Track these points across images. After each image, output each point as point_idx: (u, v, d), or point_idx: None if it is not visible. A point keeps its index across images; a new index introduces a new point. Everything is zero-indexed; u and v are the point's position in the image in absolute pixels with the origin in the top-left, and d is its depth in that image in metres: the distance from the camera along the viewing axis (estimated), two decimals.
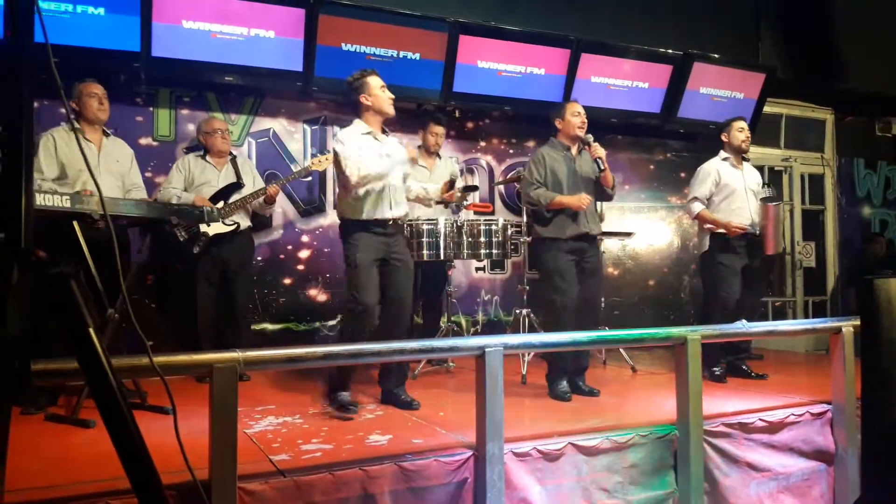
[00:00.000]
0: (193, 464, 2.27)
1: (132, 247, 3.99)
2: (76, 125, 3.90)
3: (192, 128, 5.11)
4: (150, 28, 4.62)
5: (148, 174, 4.88)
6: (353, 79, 3.70)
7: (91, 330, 0.78)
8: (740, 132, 4.67)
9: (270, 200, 4.61)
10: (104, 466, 2.39)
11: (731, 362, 4.56)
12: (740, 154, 4.71)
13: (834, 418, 3.60)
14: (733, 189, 4.63)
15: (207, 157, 4.62)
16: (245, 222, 4.62)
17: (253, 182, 4.69)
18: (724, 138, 4.77)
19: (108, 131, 4.04)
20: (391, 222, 3.67)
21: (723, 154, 4.75)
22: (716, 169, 4.67)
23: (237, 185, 4.52)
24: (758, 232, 4.61)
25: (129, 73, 4.90)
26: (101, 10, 4.52)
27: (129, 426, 0.82)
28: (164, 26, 4.66)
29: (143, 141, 5.02)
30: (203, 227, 4.37)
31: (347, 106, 5.55)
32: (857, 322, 3.54)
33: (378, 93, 3.66)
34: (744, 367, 4.62)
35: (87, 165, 1.40)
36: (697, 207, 4.65)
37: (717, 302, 4.51)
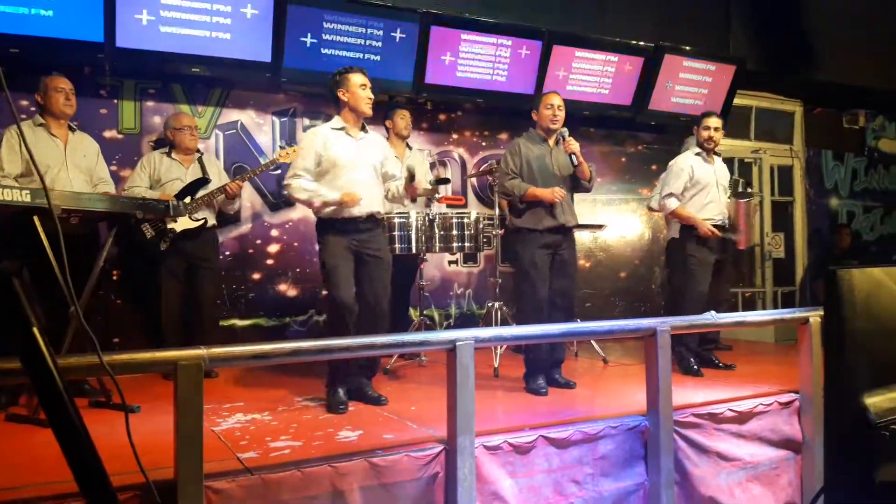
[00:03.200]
0: (160, 462, 2.25)
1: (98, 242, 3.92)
2: (42, 120, 3.80)
3: (158, 120, 5.01)
4: (114, 18, 4.51)
5: (113, 167, 4.78)
6: (336, 73, 3.68)
7: (35, 329, 0.75)
8: (705, 129, 4.67)
9: (231, 195, 4.52)
10: (65, 467, 2.33)
11: (699, 353, 4.59)
12: (708, 150, 4.72)
13: (801, 407, 3.64)
14: (705, 184, 4.65)
15: (173, 154, 4.53)
16: (212, 219, 4.55)
17: (219, 179, 4.62)
18: (694, 133, 4.80)
19: (74, 126, 3.95)
20: (363, 219, 3.63)
21: (695, 149, 4.77)
22: (689, 164, 4.68)
23: (204, 181, 4.44)
24: (728, 225, 4.64)
25: (93, 65, 4.79)
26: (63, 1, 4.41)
27: (76, 429, 0.79)
28: (129, 16, 4.56)
29: (108, 134, 4.92)
30: (170, 224, 4.30)
31: (318, 98, 5.54)
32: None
33: (356, 90, 3.61)
34: (712, 358, 4.66)
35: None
36: (673, 203, 4.66)
37: (689, 299, 4.52)
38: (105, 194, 3.83)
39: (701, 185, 4.65)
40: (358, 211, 3.59)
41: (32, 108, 4.16)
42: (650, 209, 5.70)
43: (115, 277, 4.86)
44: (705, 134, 4.67)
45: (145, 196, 4.34)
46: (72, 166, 3.83)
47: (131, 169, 4.64)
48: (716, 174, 4.71)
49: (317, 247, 3.75)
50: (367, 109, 3.66)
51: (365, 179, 3.66)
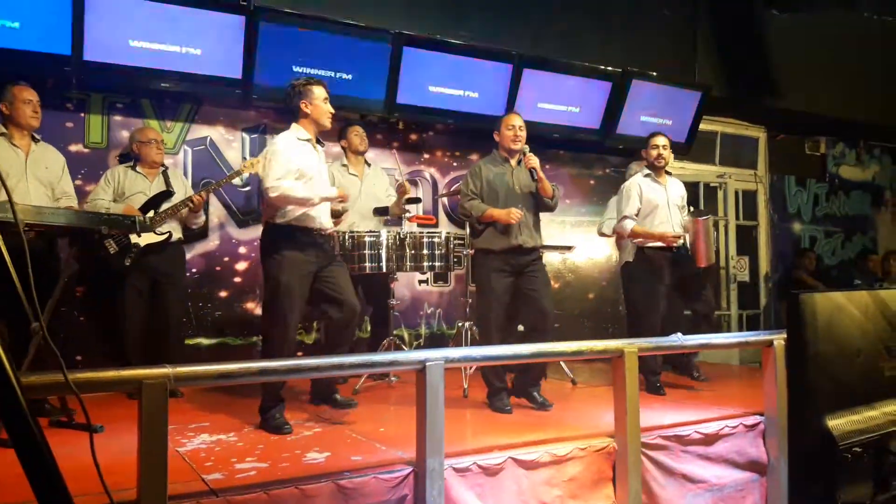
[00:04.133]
0: (124, 484, 2.20)
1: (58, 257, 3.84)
2: (4, 130, 3.73)
3: (125, 134, 4.94)
4: (83, 31, 4.46)
5: (78, 182, 4.71)
6: (298, 83, 3.67)
7: None
8: (654, 149, 4.73)
9: (195, 209, 4.46)
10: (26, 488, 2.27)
11: (681, 359, 4.67)
12: (658, 169, 4.77)
13: (766, 430, 3.68)
14: (656, 204, 4.69)
15: (138, 168, 4.48)
16: (177, 233, 4.49)
17: (184, 193, 4.56)
18: (643, 154, 4.86)
19: (37, 137, 3.88)
20: (323, 232, 3.67)
21: (644, 171, 4.83)
22: (637, 184, 4.74)
23: (168, 194, 4.38)
24: (684, 244, 4.70)
25: (59, 78, 4.72)
26: (31, 12, 4.35)
27: (40, 449, 0.77)
28: (97, 29, 4.51)
29: (74, 147, 4.85)
30: (134, 239, 4.23)
31: (288, 115, 5.49)
32: None
33: (319, 103, 3.63)
34: (693, 371, 4.73)
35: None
36: (630, 224, 4.69)
37: (645, 324, 4.56)
38: (69, 208, 3.76)
39: (652, 205, 4.70)
40: (322, 225, 3.62)
41: None
42: (600, 234, 5.76)
43: (78, 294, 4.77)
44: (654, 153, 4.72)
45: (109, 210, 4.28)
46: (32, 178, 3.74)
47: (97, 184, 4.57)
48: (667, 193, 4.75)
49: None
50: (328, 123, 3.69)
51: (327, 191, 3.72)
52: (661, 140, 4.73)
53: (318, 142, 3.74)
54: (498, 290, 4.00)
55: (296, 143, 3.63)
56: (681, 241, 4.66)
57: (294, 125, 3.69)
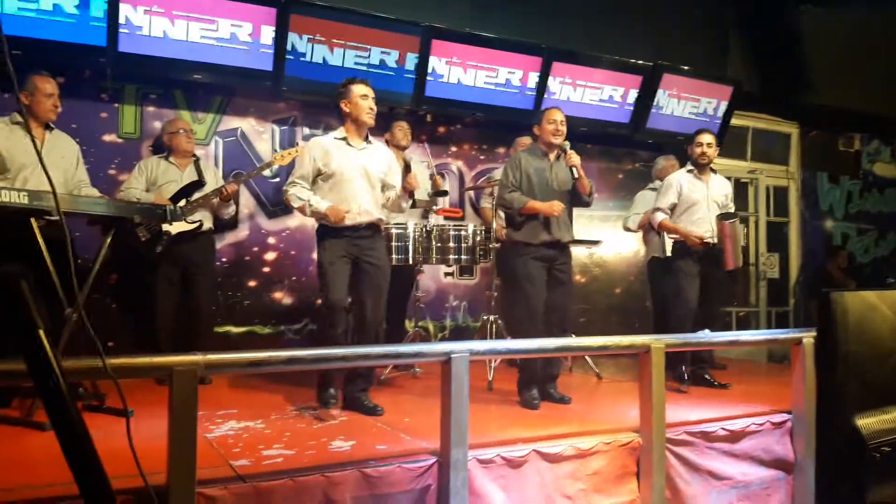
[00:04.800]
0: (153, 468, 2.24)
1: (78, 244, 3.87)
2: (20, 119, 3.71)
3: (158, 125, 5.01)
4: (117, 23, 4.53)
5: (112, 171, 4.81)
6: (341, 84, 3.75)
7: (41, 332, 0.76)
8: (698, 146, 4.70)
9: (226, 198, 4.51)
10: (59, 470, 2.33)
11: (693, 371, 4.61)
12: (702, 166, 4.75)
13: (794, 428, 3.65)
14: (695, 201, 4.67)
15: (171, 158, 4.54)
16: (208, 223, 4.55)
17: (216, 183, 4.62)
18: (688, 150, 4.83)
19: (52, 125, 3.80)
20: (363, 226, 3.68)
21: (688, 166, 4.81)
22: (678, 181, 4.72)
23: (198, 184, 4.44)
24: (716, 244, 4.66)
25: (94, 69, 4.80)
26: (68, 4, 4.42)
27: (79, 432, 0.80)
28: (132, 21, 4.58)
29: (108, 138, 4.93)
30: (165, 227, 4.29)
31: (318, 107, 5.57)
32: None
33: (357, 101, 3.67)
34: (706, 377, 4.67)
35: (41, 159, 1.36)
36: (660, 217, 4.71)
37: (676, 312, 4.54)
38: (102, 197, 3.81)
39: (691, 202, 4.67)
40: (355, 220, 3.63)
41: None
42: (625, 229, 5.73)
43: (111, 281, 4.86)
44: (698, 150, 4.70)
45: (140, 198, 4.35)
46: (48, 166, 3.76)
47: (129, 173, 4.64)
48: (708, 191, 4.72)
49: (314, 255, 3.80)
50: (369, 119, 3.70)
51: (365, 189, 3.71)
52: (706, 138, 4.70)
53: (366, 139, 3.77)
54: (538, 281, 4.01)
55: (328, 144, 3.70)
56: (710, 239, 4.61)
57: (340, 128, 3.79)
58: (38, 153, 3.42)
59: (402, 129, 5.08)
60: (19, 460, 2.68)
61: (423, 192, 5.04)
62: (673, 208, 4.71)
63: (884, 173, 8.92)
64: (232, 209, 4.81)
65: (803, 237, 8.13)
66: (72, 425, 0.79)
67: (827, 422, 1.18)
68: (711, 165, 4.81)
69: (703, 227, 4.64)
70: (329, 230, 3.66)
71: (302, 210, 3.71)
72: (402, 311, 5.11)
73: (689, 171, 4.76)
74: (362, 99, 3.67)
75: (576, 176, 4.06)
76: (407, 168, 3.76)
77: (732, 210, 4.83)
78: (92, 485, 0.79)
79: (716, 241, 4.63)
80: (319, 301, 3.76)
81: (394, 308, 5.15)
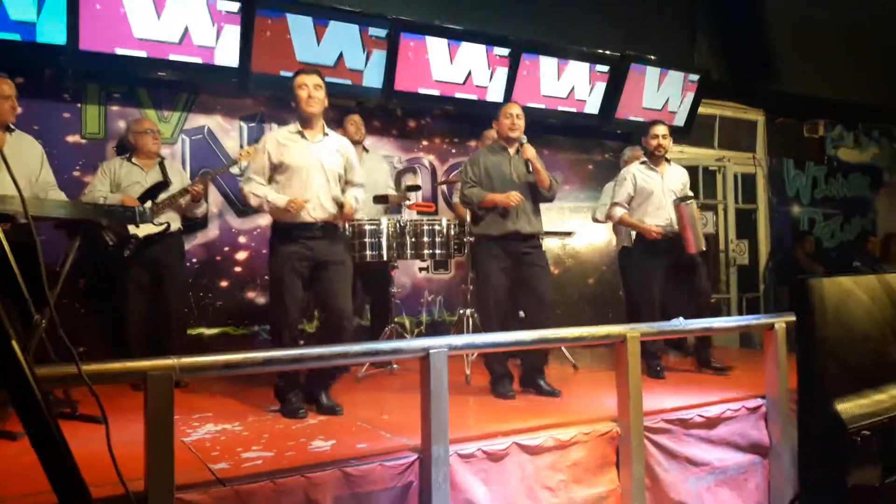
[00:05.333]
0: (130, 474, 2.19)
1: (46, 249, 3.78)
2: None
3: (123, 125, 4.92)
4: (77, 20, 4.43)
5: (76, 173, 4.71)
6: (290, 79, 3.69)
7: (13, 342, 0.73)
8: (653, 138, 4.73)
9: (196, 198, 4.45)
10: (30, 480, 2.28)
11: (699, 356, 4.74)
12: (657, 158, 4.77)
13: (768, 412, 3.70)
14: (650, 191, 4.70)
15: (134, 160, 4.46)
16: (176, 223, 4.48)
17: (181, 183, 4.55)
18: (643, 142, 4.86)
19: (13, 126, 3.66)
20: (318, 225, 3.58)
21: (641, 158, 4.85)
22: (632, 173, 4.76)
23: (164, 185, 4.37)
24: (676, 231, 4.70)
25: (55, 68, 4.69)
26: (26, 2, 4.31)
27: (56, 441, 0.78)
28: (93, 19, 4.48)
29: (71, 139, 4.83)
30: (133, 230, 4.22)
31: (285, 103, 5.48)
32: (790, 318, 3.68)
33: (297, 91, 3.59)
34: (711, 361, 4.73)
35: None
36: (619, 212, 4.75)
37: (643, 308, 4.59)
38: (66, 201, 3.72)
39: (646, 193, 4.71)
40: (311, 216, 3.55)
41: None
42: (594, 220, 5.78)
43: (81, 287, 4.76)
44: (653, 142, 4.73)
45: (106, 198, 4.27)
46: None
47: (94, 175, 4.55)
48: (664, 181, 4.75)
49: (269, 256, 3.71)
50: (307, 108, 3.59)
51: (320, 183, 3.61)
52: (660, 129, 4.73)
53: (324, 132, 3.70)
54: (495, 276, 4.02)
55: (282, 137, 3.64)
56: (670, 228, 4.64)
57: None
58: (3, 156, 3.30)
59: (354, 124, 5.04)
60: None
61: (387, 187, 5.04)
62: (630, 201, 4.74)
63: (847, 158, 9.09)
64: (203, 208, 4.74)
65: (771, 223, 8.25)
66: (48, 435, 0.77)
67: (807, 407, 1.19)
68: (667, 155, 4.84)
69: (660, 217, 4.67)
70: (282, 232, 3.58)
71: (260, 207, 3.63)
72: (386, 307, 5.07)
73: (643, 162, 4.80)
74: (299, 89, 3.58)
75: (531, 170, 4.06)
76: (339, 207, 3.67)
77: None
78: (71, 494, 0.77)
79: (675, 228, 4.67)
80: (269, 306, 3.68)
81: (376, 305, 5.14)
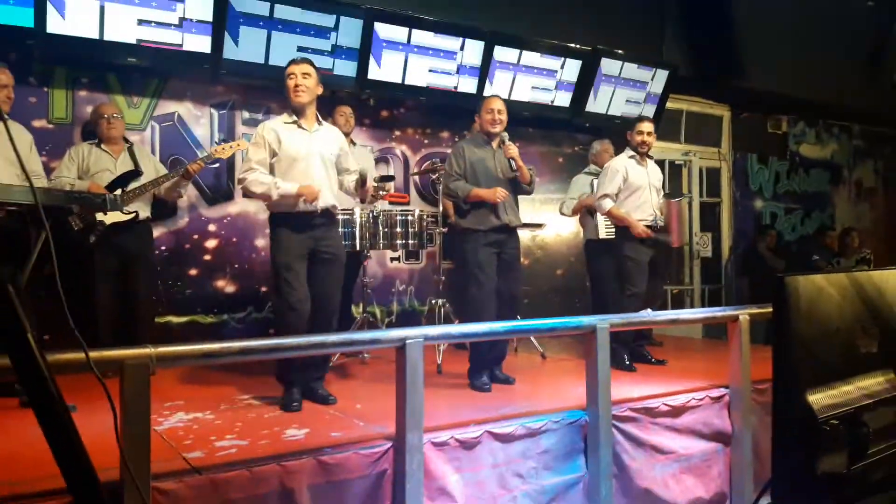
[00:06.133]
0: (106, 463, 2.19)
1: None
2: None
3: (91, 110, 4.84)
4: (45, 3, 4.33)
5: (43, 158, 4.58)
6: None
7: (29, 335, 0.74)
8: (639, 135, 4.81)
9: (189, 177, 4.40)
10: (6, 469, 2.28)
11: (632, 348, 4.74)
12: (642, 154, 4.87)
13: (731, 402, 3.81)
14: (639, 185, 4.79)
15: (102, 146, 4.40)
16: (144, 212, 4.43)
17: (155, 170, 4.51)
18: (628, 137, 4.93)
19: (5, 115, 3.74)
20: (318, 214, 3.58)
21: (629, 152, 4.91)
22: (623, 166, 4.83)
23: (136, 173, 4.32)
24: (660, 226, 4.80)
25: (22, 51, 4.59)
26: None
27: (67, 430, 0.79)
28: (61, 1, 4.39)
29: (38, 123, 4.73)
30: (99, 216, 4.16)
31: (258, 90, 5.47)
32: (754, 310, 3.79)
33: (286, 82, 3.59)
34: (645, 354, 4.81)
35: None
36: (608, 204, 4.79)
37: (630, 297, 4.64)
38: (37, 187, 3.67)
39: (634, 187, 4.79)
40: (313, 205, 3.54)
41: None
42: (561, 213, 5.85)
43: (46, 274, 4.68)
44: (639, 138, 4.81)
45: (74, 185, 4.22)
46: (1, 158, 3.65)
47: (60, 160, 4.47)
48: (648, 176, 4.86)
49: (257, 242, 3.71)
50: (294, 98, 3.59)
51: (319, 173, 3.62)
52: (646, 126, 4.83)
53: (318, 121, 3.69)
54: (489, 266, 4.06)
55: (279, 127, 3.60)
56: (655, 223, 4.74)
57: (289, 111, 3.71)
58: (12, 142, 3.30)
59: (343, 115, 5.04)
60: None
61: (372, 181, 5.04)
62: (617, 194, 4.81)
63: (809, 154, 9.32)
64: (185, 191, 4.70)
65: (734, 217, 8.43)
66: (60, 424, 0.78)
67: (782, 398, 1.25)
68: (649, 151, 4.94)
69: (646, 211, 4.77)
70: (284, 220, 3.55)
71: (266, 195, 3.54)
72: (349, 297, 5.09)
73: (631, 156, 4.87)
74: (287, 79, 3.59)
75: (514, 168, 4.12)
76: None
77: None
78: (83, 482, 0.79)
79: (661, 223, 4.77)
80: (275, 295, 3.62)
81: (343, 295, 5.14)
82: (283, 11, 5.06)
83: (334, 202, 3.69)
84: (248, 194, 3.62)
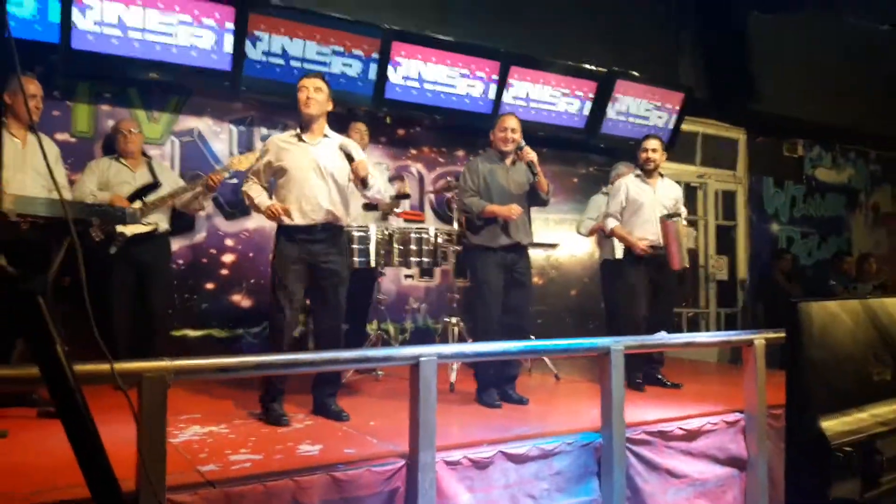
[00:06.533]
0: (122, 474, 2.21)
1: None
2: (3, 119, 3.67)
3: (111, 125, 4.92)
4: (70, 18, 4.43)
5: (65, 171, 4.67)
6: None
7: (58, 347, 0.77)
8: (643, 152, 4.84)
9: (212, 189, 4.44)
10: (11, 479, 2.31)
11: (646, 372, 4.72)
12: (648, 171, 4.87)
13: (746, 426, 3.78)
14: (641, 203, 4.79)
15: (122, 160, 4.47)
16: (164, 225, 4.49)
17: (174, 182, 4.56)
18: (637, 155, 4.96)
19: (35, 127, 3.84)
20: (317, 228, 3.61)
21: (636, 171, 4.94)
22: (625, 184, 4.85)
23: (154, 185, 4.39)
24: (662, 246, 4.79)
25: (47, 66, 4.67)
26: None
27: (93, 441, 0.82)
28: (86, 17, 4.48)
29: (60, 136, 4.81)
30: (120, 228, 4.22)
31: (276, 107, 5.53)
32: (769, 335, 3.77)
33: (298, 94, 3.66)
34: (658, 377, 4.79)
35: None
36: (612, 223, 4.82)
37: (627, 319, 4.66)
38: (58, 199, 3.73)
39: (637, 205, 4.79)
40: (307, 219, 3.59)
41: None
42: (578, 233, 5.88)
43: (65, 285, 4.73)
44: (643, 155, 4.84)
45: (96, 195, 4.28)
46: (30, 169, 3.70)
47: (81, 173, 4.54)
48: (655, 194, 4.84)
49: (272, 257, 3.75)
50: (305, 110, 3.65)
51: (315, 184, 3.62)
52: (651, 143, 4.84)
53: (324, 135, 3.73)
54: (496, 286, 4.08)
55: (282, 141, 3.71)
56: (657, 243, 4.72)
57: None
58: (44, 153, 3.34)
59: (358, 132, 5.08)
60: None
61: (384, 193, 5.07)
62: (622, 212, 4.83)
63: (825, 178, 9.28)
64: (207, 203, 4.75)
65: (750, 240, 8.40)
66: (86, 434, 0.81)
67: (795, 423, 1.25)
68: (660, 170, 4.94)
69: (649, 229, 4.74)
70: (283, 232, 3.64)
71: (253, 207, 3.75)
72: (365, 314, 5.12)
73: (637, 175, 4.89)
74: (299, 91, 3.66)
75: (535, 171, 4.13)
76: (349, 158, 3.69)
77: (683, 213, 4.96)
78: (107, 493, 0.81)
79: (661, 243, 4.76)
80: (270, 303, 3.70)
81: (356, 311, 5.16)
82: (302, 30, 5.13)
83: (337, 214, 3.67)
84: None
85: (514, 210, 4.05)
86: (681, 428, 3.60)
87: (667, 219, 4.68)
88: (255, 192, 3.68)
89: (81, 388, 0.79)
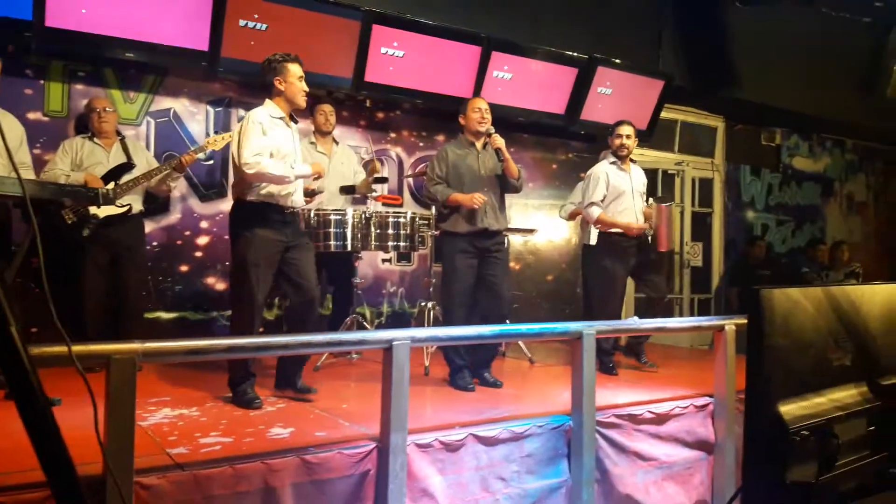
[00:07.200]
0: (88, 458, 2.20)
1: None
2: None
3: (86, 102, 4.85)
4: None
5: (37, 151, 4.61)
6: (274, 59, 3.60)
7: (13, 329, 0.76)
8: (617, 138, 4.82)
9: (181, 169, 4.40)
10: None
11: (629, 345, 4.79)
12: (623, 157, 4.86)
13: (715, 410, 3.84)
14: (621, 191, 4.80)
15: (95, 139, 4.41)
16: (137, 205, 4.44)
17: (147, 163, 4.51)
18: (609, 142, 4.95)
19: None
20: (292, 210, 3.66)
21: (610, 157, 4.91)
22: (604, 172, 4.83)
23: (129, 166, 4.34)
24: (648, 231, 4.82)
25: (19, 43, 4.59)
26: None
27: (49, 426, 0.81)
28: None
29: (33, 115, 4.74)
30: (93, 210, 4.17)
31: (254, 88, 5.47)
32: (740, 320, 3.82)
33: (294, 81, 3.59)
34: (641, 354, 4.84)
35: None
36: (596, 212, 4.77)
37: (606, 306, 4.68)
38: (29, 179, 3.68)
39: (617, 192, 4.80)
40: (292, 202, 3.62)
41: None
42: (560, 217, 5.90)
43: (34, 265, 4.68)
44: (618, 142, 4.82)
45: (69, 176, 4.22)
46: None
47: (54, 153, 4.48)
48: (631, 181, 4.85)
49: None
50: (303, 102, 3.66)
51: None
52: (625, 129, 4.82)
53: (292, 119, 3.71)
54: (463, 272, 4.09)
55: (269, 121, 3.58)
56: (649, 231, 4.77)
57: (267, 101, 3.63)
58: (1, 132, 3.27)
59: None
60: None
61: (355, 178, 5.06)
62: (603, 200, 4.83)
63: (802, 167, 9.38)
64: (175, 184, 4.69)
65: (726, 227, 8.48)
66: (40, 417, 0.80)
67: (754, 408, 1.27)
68: (632, 156, 4.94)
69: (629, 216, 4.76)
70: (259, 215, 3.51)
71: (282, 178, 3.50)
72: (348, 297, 5.11)
73: (612, 162, 4.87)
74: (299, 80, 3.60)
75: (502, 158, 4.13)
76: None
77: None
78: (61, 477, 0.80)
79: (650, 226, 4.80)
80: (234, 291, 3.65)
81: (338, 295, 5.16)
82: (281, 11, 5.06)
83: (303, 202, 3.81)
84: (258, 178, 3.48)
85: (477, 199, 4.02)
86: (650, 412, 3.64)
87: (661, 202, 4.72)
88: (276, 163, 3.51)
89: (37, 371, 0.79)
